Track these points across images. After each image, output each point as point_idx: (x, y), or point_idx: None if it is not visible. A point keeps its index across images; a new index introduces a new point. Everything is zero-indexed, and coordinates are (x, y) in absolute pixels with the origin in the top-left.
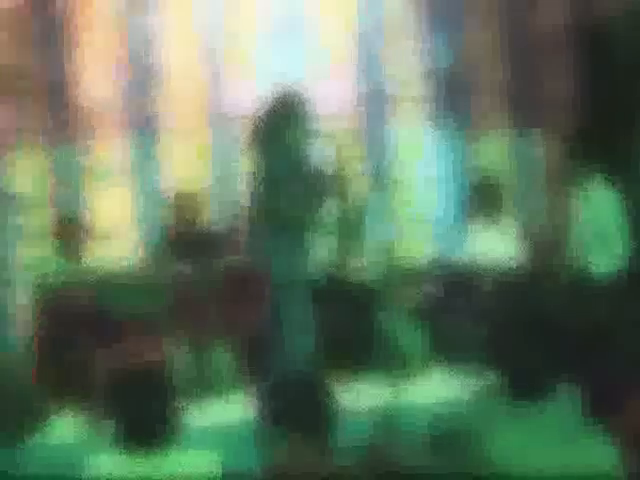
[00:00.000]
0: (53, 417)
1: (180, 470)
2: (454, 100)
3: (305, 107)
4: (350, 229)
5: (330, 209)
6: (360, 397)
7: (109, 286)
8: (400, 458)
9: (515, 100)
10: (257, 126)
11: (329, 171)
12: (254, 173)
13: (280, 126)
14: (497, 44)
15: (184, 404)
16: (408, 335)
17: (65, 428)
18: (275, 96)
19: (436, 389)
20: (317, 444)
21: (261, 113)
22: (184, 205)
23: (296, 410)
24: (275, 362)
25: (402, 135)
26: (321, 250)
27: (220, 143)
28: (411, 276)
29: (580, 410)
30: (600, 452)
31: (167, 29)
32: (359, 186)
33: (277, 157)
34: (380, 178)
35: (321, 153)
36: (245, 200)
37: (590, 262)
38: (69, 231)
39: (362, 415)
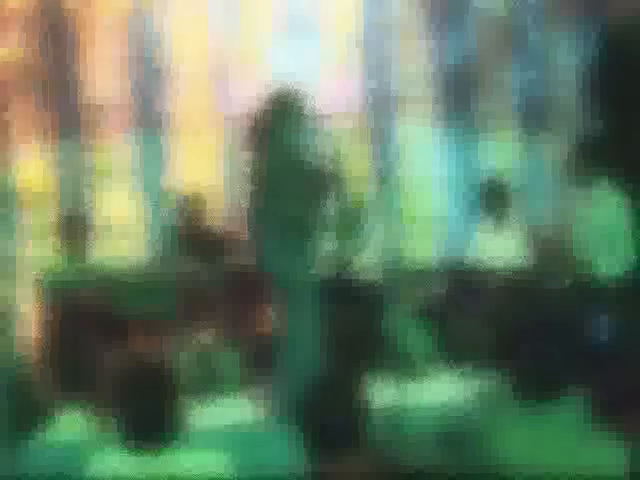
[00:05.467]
0: (57, 416)
1: (185, 470)
2: (462, 100)
3: (302, 104)
4: (354, 229)
5: (333, 208)
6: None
7: (114, 285)
8: (408, 458)
9: (524, 100)
10: (254, 124)
11: (332, 170)
12: (253, 172)
13: (276, 124)
14: (505, 43)
15: (190, 403)
16: (415, 335)
17: (70, 427)
18: (271, 94)
19: (443, 390)
20: (353, 447)
21: (257, 111)
22: (191, 204)
23: (332, 413)
24: (282, 363)
25: (409, 135)
26: (327, 249)
27: (227, 142)
28: (418, 276)
29: (589, 411)
30: (608, 454)
31: (175, 28)
32: (365, 185)
33: (275, 155)
34: (387, 178)
35: (325, 151)
36: (247, 200)
37: (597, 265)
38: (75, 229)
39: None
